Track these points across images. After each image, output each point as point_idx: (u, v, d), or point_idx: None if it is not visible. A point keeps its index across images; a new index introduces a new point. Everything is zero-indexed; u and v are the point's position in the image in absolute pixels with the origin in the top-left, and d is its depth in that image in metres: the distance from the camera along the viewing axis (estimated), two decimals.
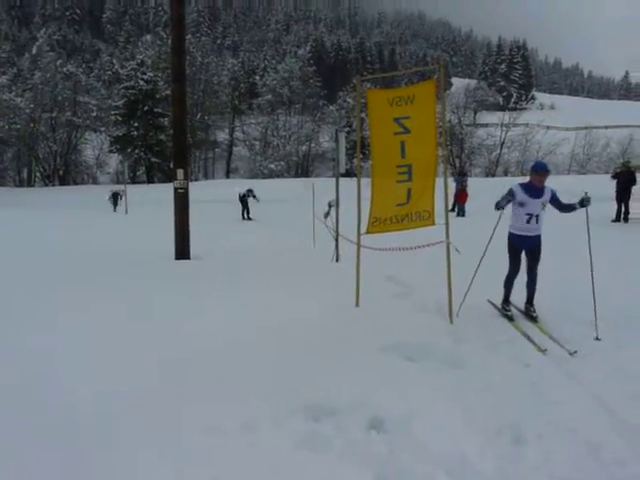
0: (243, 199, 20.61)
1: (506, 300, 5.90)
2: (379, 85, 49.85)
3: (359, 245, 6.00)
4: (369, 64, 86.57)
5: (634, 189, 14.73)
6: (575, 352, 4.75)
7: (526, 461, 3.08)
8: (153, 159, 46.30)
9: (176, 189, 9.63)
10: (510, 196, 5.53)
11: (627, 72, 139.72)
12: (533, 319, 5.64)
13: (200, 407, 3.48)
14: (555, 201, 5.53)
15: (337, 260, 9.03)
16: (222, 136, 58.99)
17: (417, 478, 2.81)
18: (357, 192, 5.96)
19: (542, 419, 3.56)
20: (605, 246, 10.34)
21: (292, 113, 59.83)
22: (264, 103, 60.13)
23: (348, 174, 22.70)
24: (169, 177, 33.70)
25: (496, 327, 5.49)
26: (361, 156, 7.48)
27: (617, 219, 14.89)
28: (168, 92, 38.17)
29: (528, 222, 5.51)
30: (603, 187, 18.13)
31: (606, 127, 57.71)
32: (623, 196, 14.81)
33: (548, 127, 56.08)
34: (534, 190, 5.47)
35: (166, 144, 43.98)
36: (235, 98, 58.67)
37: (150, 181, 45.97)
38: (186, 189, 9.72)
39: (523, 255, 5.75)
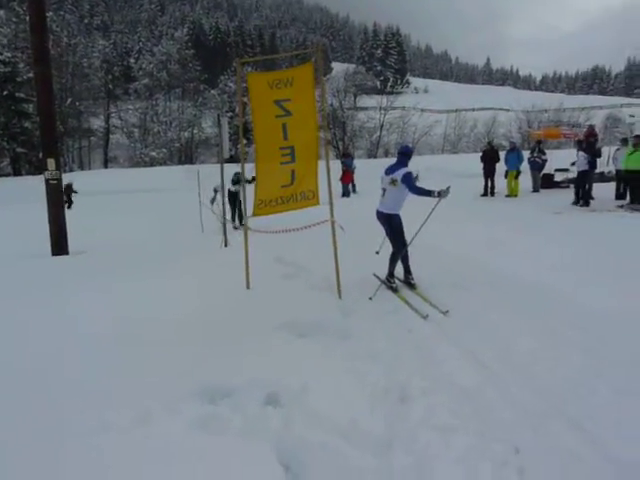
0: (233, 196, 12.64)
1: (390, 273, 6.23)
2: (260, 69, 49.51)
3: (246, 228, 6.02)
4: (249, 48, 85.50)
5: (498, 166, 16.14)
6: (447, 311, 5.20)
7: (411, 416, 3.34)
8: (19, 149, 42.29)
9: (47, 180, 8.97)
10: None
11: (488, 59, 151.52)
12: (412, 287, 6.05)
13: (91, 405, 3.34)
14: (406, 181, 5.81)
15: (226, 245, 8.96)
16: (97, 123, 55.24)
17: (313, 445, 2.94)
18: (242, 176, 5.96)
19: (426, 377, 3.86)
20: (477, 217, 11.34)
21: (172, 98, 57.56)
22: (141, 88, 57.14)
23: (233, 159, 22.39)
24: (38, 168, 31.02)
25: (382, 299, 5.80)
26: (245, 141, 7.43)
27: (485, 193, 16.22)
28: (31, 75, 34.94)
29: (382, 197, 6.13)
30: (473, 165, 19.69)
31: (473, 109, 62.32)
32: (489, 173, 16.16)
33: (422, 110, 59.15)
34: (390, 167, 6.03)
35: (32, 132, 40.29)
36: (109, 82, 55.20)
37: (17, 173, 42.03)
38: (59, 180, 9.09)
39: None
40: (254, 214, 5.73)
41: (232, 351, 4.19)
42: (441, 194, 5.61)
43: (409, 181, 5.77)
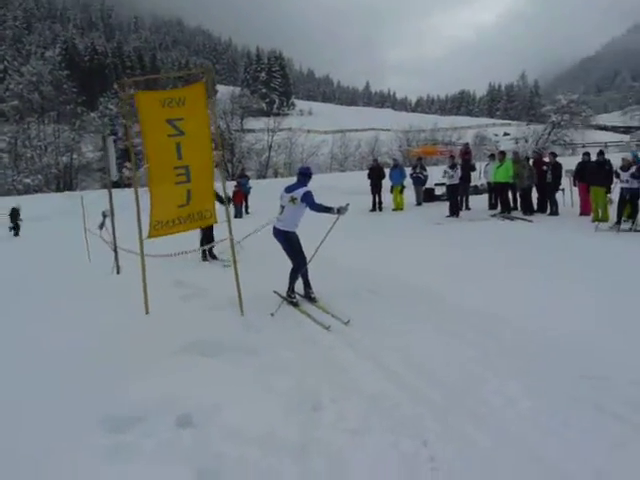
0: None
1: (291, 289, 6.32)
2: (144, 90, 47.87)
3: (142, 252, 5.82)
4: (129, 69, 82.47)
5: (383, 182, 17.02)
6: (348, 321, 5.40)
7: (324, 423, 3.44)
8: None
9: None
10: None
11: (367, 82, 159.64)
12: (313, 300, 6.20)
13: None
14: (306, 199, 5.97)
15: (118, 272, 8.56)
16: None
17: (231, 459, 2.93)
18: (135, 197, 5.79)
19: (334, 385, 3.99)
20: (368, 230, 11.86)
21: (46, 121, 53.85)
22: (9, 110, 52.91)
23: (118, 185, 21.41)
24: None
25: (284, 314, 5.87)
26: (130, 165, 7.23)
27: (373, 209, 16.98)
28: None
29: (280, 214, 6.22)
30: (361, 182, 20.53)
31: (356, 130, 65.15)
32: (375, 189, 16.96)
33: (309, 131, 60.74)
34: (290, 187, 6.18)
35: None
36: None
37: None
38: None
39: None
40: (150, 236, 5.57)
41: (136, 377, 4.03)
42: (340, 211, 5.86)
43: (309, 199, 5.95)
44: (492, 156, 16.70)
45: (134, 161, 5.94)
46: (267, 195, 23.19)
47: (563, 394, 3.68)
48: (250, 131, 52.87)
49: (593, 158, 13.21)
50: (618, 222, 11.05)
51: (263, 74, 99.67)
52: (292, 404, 3.67)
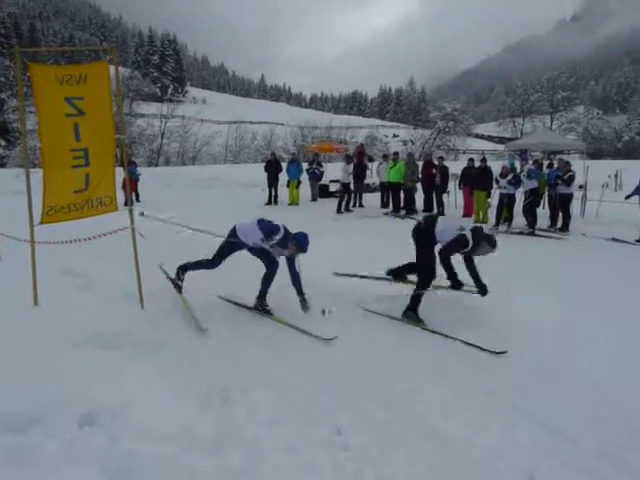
0: None
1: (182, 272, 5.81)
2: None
3: (33, 239, 5.38)
4: (4, 37, 74.84)
5: (280, 175, 17.10)
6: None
7: (237, 416, 3.43)
8: None
9: None
10: (275, 228, 5.56)
11: (263, 75, 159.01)
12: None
13: None
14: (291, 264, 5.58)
15: None
16: None
17: (146, 457, 2.83)
18: (26, 180, 5.33)
19: (243, 378, 3.98)
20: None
21: None
22: None
23: None
24: None
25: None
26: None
27: (269, 202, 16.98)
28: None
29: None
30: (256, 175, 20.48)
31: (252, 122, 64.65)
32: (272, 182, 16.98)
33: (203, 120, 59.33)
34: (278, 250, 5.51)
35: None
36: None
37: None
38: None
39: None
40: (42, 222, 5.14)
41: (31, 374, 3.72)
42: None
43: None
44: (385, 156, 17.44)
45: (24, 140, 5.44)
46: (158, 184, 22.45)
47: (462, 381, 4.01)
48: (141, 116, 50.41)
49: (476, 164, 14.32)
50: (496, 224, 12.09)
51: (155, 57, 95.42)
52: (202, 399, 3.60)
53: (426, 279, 5.43)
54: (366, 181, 18.25)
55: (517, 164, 15.45)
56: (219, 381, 3.88)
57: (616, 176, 20.13)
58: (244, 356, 4.45)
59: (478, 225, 5.84)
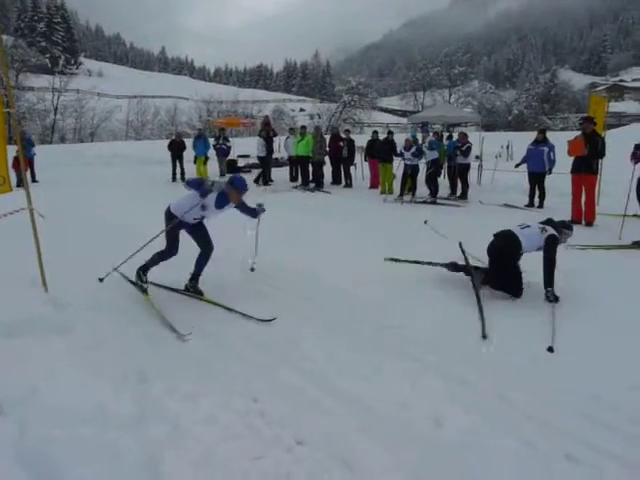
0: None
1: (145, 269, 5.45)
2: None
3: None
4: None
5: (185, 153, 16.67)
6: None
7: (156, 393, 3.42)
8: None
9: None
10: (204, 190, 5.09)
11: (163, 47, 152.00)
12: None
13: None
14: (242, 207, 5.51)
15: None
16: None
17: (62, 441, 2.74)
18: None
19: (158, 358, 3.96)
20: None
21: None
22: None
23: None
24: None
25: (95, 288, 5.52)
26: None
27: (174, 179, 16.50)
28: None
29: (200, 218, 5.38)
30: (160, 151, 19.75)
31: (154, 97, 61.82)
32: (176, 159, 16.51)
33: (99, 94, 55.94)
34: (224, 202, 5.20)
35: None
36: None
37: None
38: None
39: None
40: None
41: None
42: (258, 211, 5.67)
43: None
44: (292, 130, 17.49)
45: None
46: (54, 162, 21.02)
47: (372, 344, 4.24)
48: (30, 89, 46.55)
49: (380, 137, 14.78)
50: (401, 194, 12.63)
51: (42, 25, 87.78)
52: (118, 379, 3.54)
53: (518, 291, 5.32)
54: (274, 155, 18.27)
55: (419, 136, 16.09)
56: (135, 361, 3.84)
57: (508, 147, 21.55)
58: (158, 335, 4.42)
59: (549, 218, 5.76)
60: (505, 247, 5.41)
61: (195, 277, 5.46)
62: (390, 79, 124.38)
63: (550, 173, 10.95)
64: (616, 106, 68.68)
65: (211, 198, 5.07)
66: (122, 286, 5.59)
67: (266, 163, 16.09)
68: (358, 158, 15.69)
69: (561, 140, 10.54)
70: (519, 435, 3.04)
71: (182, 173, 16.53)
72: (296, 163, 15.94)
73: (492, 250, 5.53)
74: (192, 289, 5.45)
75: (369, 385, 3.60)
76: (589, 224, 8.96)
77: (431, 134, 14.58)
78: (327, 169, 15.45)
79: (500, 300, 5.27)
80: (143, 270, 5.39)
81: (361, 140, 18.60)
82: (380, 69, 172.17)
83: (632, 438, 2.99)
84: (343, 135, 15.56)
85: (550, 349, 4.13)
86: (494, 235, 5.58)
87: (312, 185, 14.86)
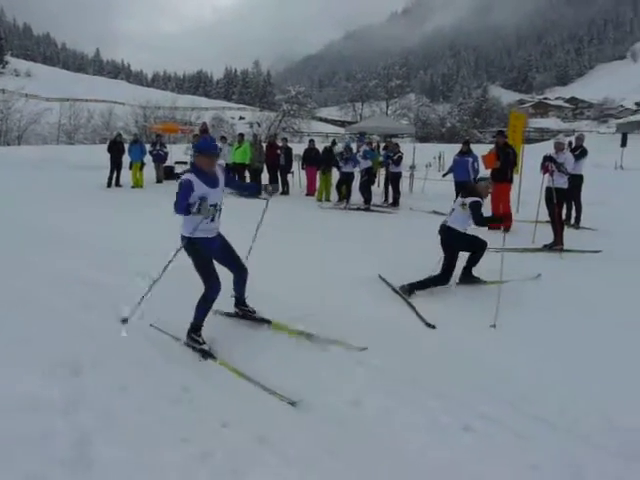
0: None
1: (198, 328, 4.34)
2: None
3: None
4: None
5: (124, 158, 16.40)
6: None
7: (88, 384, 3.54)
8: None
9: None
10: (187, 191, 4.05)
11: (98, 49, 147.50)
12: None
13: None
14: (231, 183, 4.80)
15: None
16: None
17: None
18: None
19: (91, 351, 4.04)
20: (106, 207, 11.46)
21: None
22: None
23: None
24: None
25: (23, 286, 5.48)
26: None
27: (110, 184, 16.15)
28: None
29: (213, 219, 4.25)
30: (95, 156, 19.31)
31: (87, 100, 59.91)
32: (115, 164, 16.21)
33: (28, 95, 53.65)
34: (209, 178, 4.18)
35: None
36: None
37: None
38: None
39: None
40: None
41: None
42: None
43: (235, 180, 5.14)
44: (223, 138, 17.61)
45: None
46: None
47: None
48: None
49: (317, 146, 15.19)
50: (339, 200, 13.08)
51: None
52: (50, 371, 3.64)
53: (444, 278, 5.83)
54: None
55: (353, 145, 16.62)
56: (63, 353, 3.92)
57: (439, 157, 22.58)
58: (93, 328, 4.50)
59: (463, 187, 6.32)
60: (446, 239, 5.98)
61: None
62: (330, 89, 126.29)
63: (475, 182, 11.65)
64: (541, 122, 73.06)
65: (195, 185, 4.05)
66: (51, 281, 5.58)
67: None
68: (295, 166, 16.02)
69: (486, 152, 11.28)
70: (426, 412, 3.39)
71: (117, 178, 16.24)
72: (233, 170, 16.05)
73: (442, 245, 6.04)
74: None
75: (295, 375, 3.84)
76: (507, 229, 9.63)
77: (365, 144, 15.10)
78: (265, 176, 15.66)
79: (424, 296, 5.68)
80: (195, 330, 4.27)
81: (300, 148, 18.97)
82: (320, 79, 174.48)
83: (521, 410, 3.42)
84: (280, 143, 15.86)
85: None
86: (438, 232, 6.15)
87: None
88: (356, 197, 13.36)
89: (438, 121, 61.32)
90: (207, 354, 4.12)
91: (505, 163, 9.75)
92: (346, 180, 13.24)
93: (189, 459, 2.85)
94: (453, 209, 6.07)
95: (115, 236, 8.26)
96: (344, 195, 13.28)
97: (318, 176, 14.68)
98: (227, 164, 16.52)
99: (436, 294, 5.79)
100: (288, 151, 15.40)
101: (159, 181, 17.73)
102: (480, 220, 5.81)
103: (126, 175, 16.37)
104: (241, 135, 16.40)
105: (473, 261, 6.15)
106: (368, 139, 16.29)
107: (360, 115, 65.63)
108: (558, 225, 8.34)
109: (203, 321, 4.30)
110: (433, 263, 5.98)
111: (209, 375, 3.79)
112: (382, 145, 17.84)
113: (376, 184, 14.66)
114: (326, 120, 75.72)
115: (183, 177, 4.16)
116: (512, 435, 3.15)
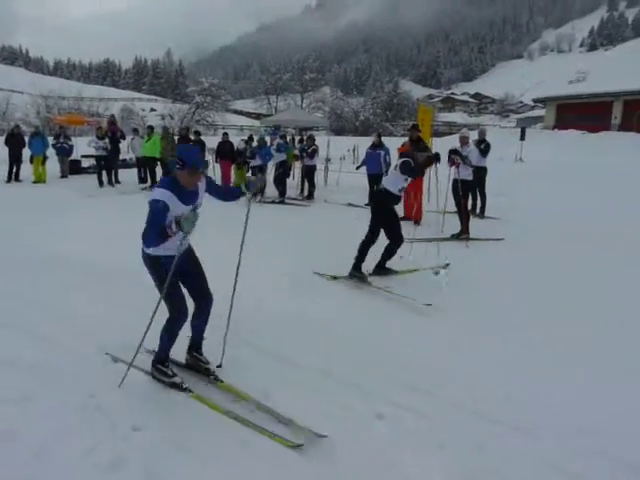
0: None
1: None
2: None
3: None
4: None
5: (24, 151, 15.31)
6: None
7: None
8: None
9: None
10: (161, 216, 3.27)
11: None
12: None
13: None
14: (213, 190, 3.85)
15: None
16: None
17: None
18: None
19: None
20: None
21: None
22: None
23: None
24: None
25: None
26: None
27: (9, 179, 15.09)
28: None
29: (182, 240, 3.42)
30: None
31: None
32: (15, 158, 15.12)
33: None
34: (188, 193, 3.45)
35: None
36: None
37: None
38: None
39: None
40: None
41: None
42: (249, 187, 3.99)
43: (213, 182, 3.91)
44: (135, 130, 16.98)
45: None
46: None
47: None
48: None
49: (231, 139, 14.96)
50: (254, 195, 12.93)
51: None
52: None
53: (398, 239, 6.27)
54: (123, 156, 17.56)
55: (267, 138, 16.53)
56: None
57: (354, 150, 22.98)
58: None
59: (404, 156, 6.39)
60: (375, 203, 6.47)
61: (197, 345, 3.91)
62: (245, 82, 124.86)
63: (387, 174, 11.98)
64: (448, 116, 76.41)
65: (171, 205, 3.30)
66: None
67: (113, 164, 15.42)
68: (209, 159, 15.66)
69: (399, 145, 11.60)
70: (340, 401, 3.45)
71: (17, 173, 15.16)
72: (144, 164, 15.47)
73: (371, 212, 6.43)
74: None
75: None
76: (417, 222, 10.00)
77: (278, 137, 15.07)
78: None
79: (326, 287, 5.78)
80: (160, 361, 3.70)
81: (215, 142, 18.60)
82: (235, 71, 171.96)
83: (430, 394, 3.58)
84: (192, 137, 15.46)
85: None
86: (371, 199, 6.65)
87: None
88: (271, 190, 13.34)
89: (352, 114, 62.36)
90: (179, 387, 3.55)
91: None
92: (255, 174, 13.19)
93: (100, 467, 2.73)
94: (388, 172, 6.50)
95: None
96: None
97: (233, 170, 14.50)
98: (137, 158, 15.94)
99: (352, 287, 5.92)
100: (201, 144, 15.03)
101: (64, 176, 16.78)
102: (410, 171, 6.18)
103: (27, 169, 15.31)
104: (150, 127, 15.78)
105: (387, 255, 6.33)
106: (283, 132, 16.28)
107: (275, 108, 65.44)
108: (464, 215, 8.78)
109: (169, 350, 3.68)
110: (347, 255, 6.11)
111: (115, 379, 3.63)
112: (297, 138, 17.91)
113: (291, 177, 14.68)
114: (241, 113, 74.78)
115: (153, 196, 3.29)
116: (421, 419, 3.29)
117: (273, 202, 12.57)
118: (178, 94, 74.84)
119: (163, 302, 3.50)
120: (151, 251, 3.45)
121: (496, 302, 5.47)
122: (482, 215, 10.79)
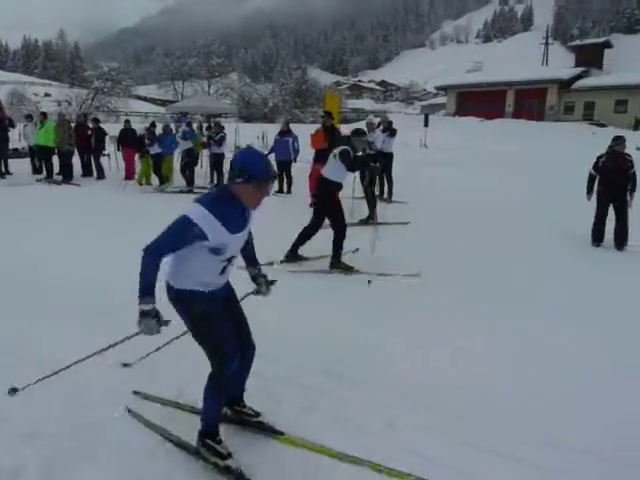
0: None
1: None
2: None
3: None
4: None
5: None
6: None
7: None
8: None
9: None
10: (184, 236, 2.52)
11: None
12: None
13: None
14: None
15: None
16: None
17: None
18: None
19: None
20: None
21: None
22: None
23: None
24: None
25: None
26: None
27: None
28: None
29: (223, 271, 2.75)
30: None
31: None
32: None
33: None
34: (236, 219, 2.65)
35: None
36: None
37: None
38: None
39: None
40: None
41: None
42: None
43: None
44: (29, 117, 15.81)
45: None
46: None
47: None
48: None
49: (134, 126, 14.30)
50: (161, 184, 12.63)
51: None
52: None
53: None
54: (14, 145, 16.27)
55: (172, 126, 15.99)
56: None
57: (263, 137, 22.76)
58: None
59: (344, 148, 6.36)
60: (319, 190, 6.60)
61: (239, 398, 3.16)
62: (149, 66, 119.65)
63: (295, 161, 12.01)
64: (356, 103, 77.73)
65: (208, 230, 2.50)
66: None
67: (1, 153, 14.20)
68: (111, 148, 14.87)
69: (308, 132, 11.60)
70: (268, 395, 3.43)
71: None
72: (39, 155, 14.39)
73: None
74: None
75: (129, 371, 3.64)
76: None
77: (184, 124, 14.60)
78: (77, 160, 14.30)
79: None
80: (210, 435, 2.80)
81: (116, 129, 17.68)
82: (137, 55, 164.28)
83: (349, 379, 3.68)
84: (91, 124, 14.59)
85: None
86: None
87: (59, 178, 13.62)
88: (178, 179, 12.95)
89: (260, 101, 61.71)
90: (235, 475, 2.63)
91: (332, 145, 10.07)
92: (155, 162, 12.80)
93: None
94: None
95: None
96: (167, 177, 12.76)
97: (137, 159, 13.89)
98: (30, 147, 14.82)
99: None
100: (100, 132, 14.22)
101: None
102: (348, 162, 6.28)
103: None
104: (43, 114, 14.69)
105: (337, 246, 6.43)
106: (189, 119, 15.81)
107: (181, 94, 63.41)
108: (372, 200, 8.99)
109: (218, 418, 2.85)
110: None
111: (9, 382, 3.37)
112: (205, 125, 17.44)
113: (199, 165, 14.32)
114: (145, 99, 71.53)
115: (190, 213, 2.51)
116: (341, 403, 3.39)
117: (181, 192, 12.18)
118: (75, 78, 70.29)
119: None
120: (182, 286, 2.67)
121: (412, 286, 5.72)
122: (389, 200, 11.11)
